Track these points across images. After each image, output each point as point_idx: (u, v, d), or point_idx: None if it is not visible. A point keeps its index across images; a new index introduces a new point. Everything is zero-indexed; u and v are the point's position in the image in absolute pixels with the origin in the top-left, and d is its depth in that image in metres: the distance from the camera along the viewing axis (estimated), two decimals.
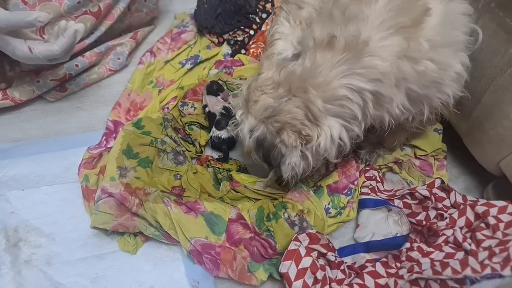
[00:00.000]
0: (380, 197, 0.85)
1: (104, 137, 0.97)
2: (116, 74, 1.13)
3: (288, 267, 0.71)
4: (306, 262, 0.71)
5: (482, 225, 0.73)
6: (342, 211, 0.85)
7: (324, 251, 0.74)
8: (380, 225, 0.82)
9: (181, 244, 0.78)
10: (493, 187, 0.86)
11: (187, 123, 0.99)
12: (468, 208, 0.77)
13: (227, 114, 0.98)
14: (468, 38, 0.71)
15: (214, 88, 1.01)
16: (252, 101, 0.70)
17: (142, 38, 1.20)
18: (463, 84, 0.73)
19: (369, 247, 0.80)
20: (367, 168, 0.91)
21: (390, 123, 0.73)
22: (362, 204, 0.86)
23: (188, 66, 1.13)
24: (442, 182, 0.82)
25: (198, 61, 1.14)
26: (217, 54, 1.16)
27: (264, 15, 1.22)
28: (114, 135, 0.98)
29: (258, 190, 0.86)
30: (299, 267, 0.71)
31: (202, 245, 0.77)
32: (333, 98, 0.66)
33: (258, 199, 0.86)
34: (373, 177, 0.89)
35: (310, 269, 0.71)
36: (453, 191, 0.81)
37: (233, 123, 0.77)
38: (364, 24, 0.65)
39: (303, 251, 0.72)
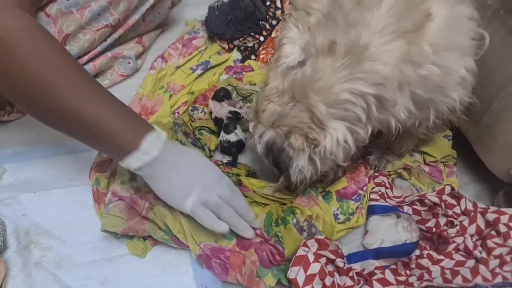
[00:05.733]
0: (389, 203, 0.85)
1: None
2: (127, 79, 1.14)
3: (296, 273, 0.70)
4: (315, 268, 0.71)
5: (493, 232, 0.73)
6: (351, 217, 0.85)
7: (332, 257, 0.74)
8: (390, 231, 0.82)
9: (190, 248, 0.78)
10: (504, 194, 0.85)
11: (197, 127, 1.00)
12: (479, 216, 0.76)
13: (234, 117, 0.99)
14: (475, 43, 0.71)
15: (220, 94, 1.02)
16: (261, 111, 0.72)
17: (148, 42, 1.20)
18: (470, 89, 0.73)
19: (378, 253, 0.79)
20: (376, 174, 0.91)
21: (397, 128, 0.73)
22: (371, 210, 0.85)
23: (198, 71, 1.14)
24: (452, 188, 0.82)
25: (209, 66, 1.15)
26: (227, 60, 1.17)
27: (274, 22, 1.23)
28: None
29: (267, 195, 0.86)
30: (308, 273, 0.70)
31: (211, 249, 0.78)
32: (336, 102, 0.66)
33: (267, 204, 0.86)
34: (382, 183, 0.89)
35: (319, 275, 0.70)
36: (464, 198, 0.81)
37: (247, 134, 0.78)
38: (365, 29, 0.65)
39: (311, 257, 0.72)
